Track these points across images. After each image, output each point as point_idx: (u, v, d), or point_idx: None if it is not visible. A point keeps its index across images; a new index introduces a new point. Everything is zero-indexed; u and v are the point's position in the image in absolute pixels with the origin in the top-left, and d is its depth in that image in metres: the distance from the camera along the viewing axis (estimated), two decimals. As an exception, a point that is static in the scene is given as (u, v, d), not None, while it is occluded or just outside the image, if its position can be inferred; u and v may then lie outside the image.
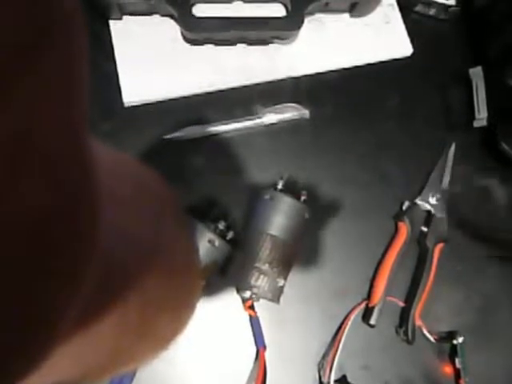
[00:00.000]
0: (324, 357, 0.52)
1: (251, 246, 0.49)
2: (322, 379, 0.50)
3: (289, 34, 0.57)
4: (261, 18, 0.55)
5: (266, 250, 0.48)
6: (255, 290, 0.48)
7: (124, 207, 0.20)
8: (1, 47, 0.09)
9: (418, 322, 0.53)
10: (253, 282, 0.48)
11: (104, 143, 0.19)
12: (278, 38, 0.57)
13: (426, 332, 0.53)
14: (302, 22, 0.55)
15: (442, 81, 0.62)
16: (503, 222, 0.59)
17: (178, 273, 0.25)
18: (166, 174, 0.25)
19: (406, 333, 0.52)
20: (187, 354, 0.50)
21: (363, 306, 0.53)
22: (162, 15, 0.56)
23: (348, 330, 0.52)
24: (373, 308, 0.52)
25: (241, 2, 0.57)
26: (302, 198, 0.51)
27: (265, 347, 0.50)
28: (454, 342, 0.53)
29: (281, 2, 0.58)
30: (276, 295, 0.49)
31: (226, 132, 0.56)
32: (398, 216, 0.56)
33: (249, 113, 0.56)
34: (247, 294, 0.49)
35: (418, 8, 0.63)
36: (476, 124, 0.59)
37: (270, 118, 0.56)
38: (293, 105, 0.57)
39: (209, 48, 0.57)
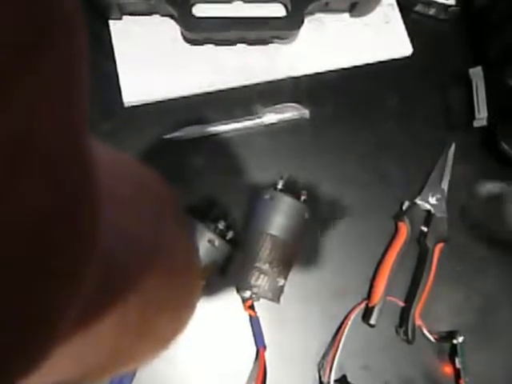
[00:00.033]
0: (324, 356, 0.52)
1: (251, 245, 0.49)
2: (322, 379, 0.51)
3: (289, 33, 0.57)
4: (261, 17, 0.55)
5: (266, 250, 0.48)
6: (255, 290, 0.48)
7: (124, 207, 0.20)
8: (1, 47, 0.09)
9: (418, 322, 0.53)
10: (253, 281, 0.48)
11: (104, 143, 0.19)
12: (277, 37, 0.57)
13: (426, 332, 0.53)
14: (302, 21, 0.55)
15: (442, 81, 0.62)
16: (503, 222, 0.59)
17: (177, 273, 0.25)
18: (166, 174, 0.25)
19: (406, 333, 0.52)
20: (187, 353, 0.50)
21: (363, 305, 0.53)
22: (162, 15, 0.56)
23: (348, 329, 0.52)
24: (373, 308, 0.52)
25: (241, 2, 0.57)
26: (302, 197, 0.51)
27: (265, 347, 0.50)
28: (454, 341, 0.53)
29: (281, 2, 0.58)
30: (276, 295, 0.49)
31: (226, 132, 0.56)
32: (398, 216, 0.56)
33: (249, 113, 0.56)
34: (247, 293, 0.49)
35: (418, 8, 0.63)
36: (476, 124, 0.59)
37: (270, 117, 0.56)
38: (293, 105, 0.57)
39: (209, 48, 0.57)
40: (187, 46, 0.56)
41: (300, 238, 0.50)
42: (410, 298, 0.54)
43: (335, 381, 0.51)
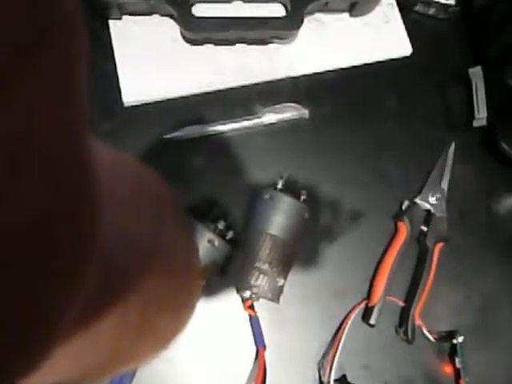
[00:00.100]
0: (324, 356, 0.52)
1: (251, 245, 0.49)
2: (322, 379, 0.51)
3: (288, 33, 0.57)
4: (260, 17, 0.55)
5: (265, 250, 0.48)
6: (255, 290, 0.48)
7: (124, 207, 0.20)
8: (1, 47, 0.09)
9: (418, 322, 0.53)
10: (253, 281, 0.48)
11: (104, 143, 0.19)
12: (277, 37, 0.57)
13: (425, 332, 0.53)
14: (302, 21, 0.55)
15: (442, 80, 0.62)
16: (503, 222, 0.59)
17: (177, 273, 0.25)
18: (166, 174, 0.25)
19: (405, 332, 0.53)
20: (187, 353, 0.50)
21: (363, 305, 0.53)
22: (162, 15, 0.56)
23: (348, 329, 0.52)
24: (373, 308, 0.52)
25: (240, 2, 0.57)
26: (302, 197, 0.51)
27: (265, 347, 0.50)
28: (454, 341, 0.53)
29: (280, 2, 0.58)
30: (276, 295, 0.49)
31: (226, 132, 0.56)
32: (398, 216, 0.56)
33: (248, 113, 0.56)
34: (247, 293, 0.49)
35: (418, 8, 0.63)
36: (476, 124, 0.59)
37: (270, 117, 0.56)
38: (292, 104, 0.57)
39: (208, 48, 0.57)
40: (187, 45, 0.56)
41: (300, 237, 0.50)
42: (410, 297, 0.54)
43: (335, 380, 0.51)
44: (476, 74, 0.59)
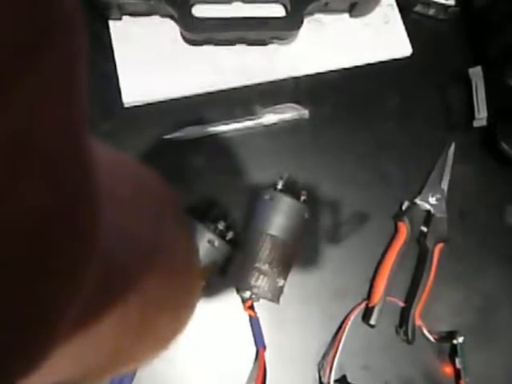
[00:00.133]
0: (324, 357, 0.52)
1: (251, 246, 0.49)
2: (322, 379, 0.50)
3: (288, 34, 0.57)
4: (260, 18, 0.55)
5: (265, 250, 0.48)
6: (255, 290, 0.48)
7: (124, 207, 0.20)
8: (1, 47, 0.09)
9: (418, 322, 0.53)
10: (253, 282, 0.48)
11: (104, 143, 0.19)
12: (277, 38, 0.57)
13: (426, 332, 0.53)
14: (302, 22, 0.55)
15: (442, 81, 0.62)
16: (503, 222, 0.59)
17: (177, 273, 0.25)
18: (166, 174, 0.25)
19: (406, 333, 0.52)
20: (187, 353, 0.50)
21: (363, 306, 0.53)
22: (162, 16, 0.56)
23: (348, 330, 0.52)
24: (373, 308, 0.52)
25: (240, 3, 0.57)
26: (302, 197, 0.51)
27: (265, 347, 0.50)
28: (454, 341, 0.53)
29: (280, 3, 0.58)
30: (276, 295, 0.49)
31: (226, 132, 0.56)
32: (398, 216, 0.56)
33: (248, 113, 0.56)
34: (247, 294, 0.49)
35: (418, 8, 0.63)
36: (476, 124, 0.59)
37: (270, 118, 0.56)
38: (292, 105, 0.57)
39: (208, 48, 0.57)
40: (187, 46, 0.56)
41: (300, 238, 0.50)
42: (410, 298, 0.54)
43: (335, 381, 0.51)
44: (476, 74, 0.59)
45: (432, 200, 0.56)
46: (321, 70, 0.59)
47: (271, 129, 0.57)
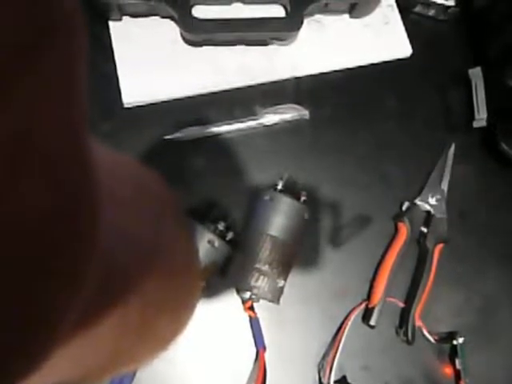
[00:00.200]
0: (324, 357, 0.52)
1: (251, 246, 0.49)
2: (322, 380, 0.50)
3: (288, 34, 0.57)
4: (260, 19, 0.55)
5: (265, 251, 0.48)
6: (255, 291, 0.48)
7: (124, 208, 0.20)
8: (1, 47, 0.09)
9: (418, 323, 0.53)
10: (253, 282, 0.48)
11: (104, 144, 0.19)
12: (277, 38, 0.57)
13: (426, 333, 0.53)
14: (302, 22, 0.55)
15: (442, 81, 0.62)
16: (503, 223, 0.59)
17: (178, 273, 0.25)
18: (166, 175, 0.25)
19: (406, 333, 0.52)
20: (187, 354, 0.50)
21: (363, 306, 0.53)
22: (162, 16, 0.56)
23: (348, 330, 0.52)
24: (373, 309, 0.52)
25: (240, 4, 0.57)
26: (302, 198, 0.51)
27: (265, 348, 0.50)
28: (454, 342, 0.53)
29: (280, 3, 0.58)
30: (276, 296, 0.49)
31: (226, 133, 0.56)
32: (398, 216, 0.56)
33: (249, 113, 0.56)
34: (247, 294, 0.49)
35: (418, 9, 0.63)
36: (475, 124, 0.59)
37: (270, 118, 0.56)
38: (292, 105, 0.57)
39: (208, 49, 0.57)
40: (187, 47, 0.56)
41: (300, 238, 0.50)
42: (410, 298, 0.54)
43: (335, 381, 0.50)
44: (476, 74, 0.59)
45: (432, 200, 0.56)
46: (321, 71, 0.59)
47: (271, 129, 0.57)
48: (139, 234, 0.21)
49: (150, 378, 0.49)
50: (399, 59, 0.61)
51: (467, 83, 0.60)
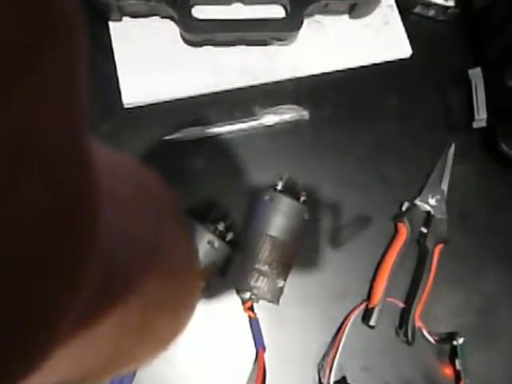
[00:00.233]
0: (324, 358, 0.52)
1: (251, 246, 0.49)
2: (322, 380, 0.50)
3: (288, 35, 0.57)
4: (260, 19, 0.55)
5: (265, 251, 0.48)
6: (255, 291, 0.48)
7: (124, 208, 0.20)
8: (1, 47, 0.09)
9: (418, 323, 0.53)
10: (252, 283, 0.48)
11: (104, 144, 0.19)
12: (277, 39, 0.57)
13: (426, 333, 0.53)
14: (302, 23, 0.55)
15: (442, 82, 0.62)
16: (503, 223, 0.59)
17: (177, 274, 0.25)
18: (166, 175, 0.25)
19: (405, 334, 0.52)
20: (187, 354, 0.50)
21: (363, 306, 0.53)
22: (162, 17, 0.56)
23: (348, 331, 0.52)
24: (373, 309, 0.52)
25: (240, 4, 0.57)
26: (302, 198, 0.51)
27: (264, 348, 0.50)
28: (454, 343, 0.53)
29: (280, 4, 0.58)
30: (276, 296, 0.49)
31: (226, 133, 0.56)
32: (398, 217, 0.56)
33: (248, 114, 0.56)
34: (247, 295, 0.49)
35: (417, 9, 0.63)
36: (475, 125, 0.59)
37: (270, 119, 0.56)
38: (292, 106, 0.57)
39: (208, 49, 0.57)
40: (187, 47, 0.56)
41: (299, 238, 0.50)
42: (410, 299, 0.54)
43: (335, 382, 0.50)
44: (476, 75, 0.59)
45: (432, 201, 0.56)
46: (321, 71, 0.59)
47: (271, 129, 0.57)
48: (139, 233, 0.21)
49: (149, 378, 0.49)
50: (399, 59, 0.61)
51: (467, 83, 0.60)
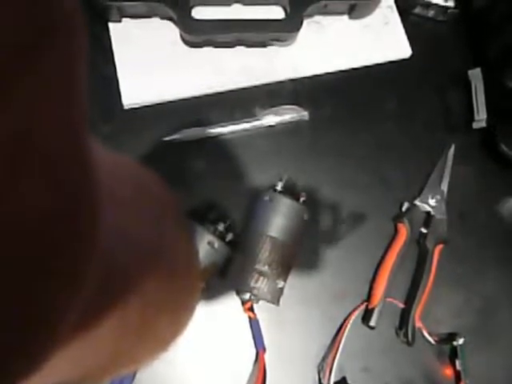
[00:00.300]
0: (324, 359, 0.51)
1: (251, 247, 0.49)
2: (322, 381, 0.50)
3: (288, 35, 0.57)
4: (260, 20, 0.55)
5: (265, 252, 0.48)
6: (255, 292, 0.48)
7: (124, 209, 0.20)
8: (1, 47, 0.09)
9: (418, 324, 0.53)
10: (252, 283, 0.48)
11: (104, 145, 0.19)
12: (277, 39, 0.57)
13: (426, 334, 0.53)
14: (301, 23, 0.55)
15: (441, 82, 0.62)
16: (503, 223, 0.59)
17: (177, 275, 0.25)
18: (166, 176, 0.25)
19: (405, 334, 0.52)
20: (187, 355, 0.50)
21: (363, 307, 0.53)
22: (162, 18, 0.56)
23: (348, 331, 0.52)
24: (373, 310, 0.52)
25: (240, 5, 0.57)
26: (302, 199, 0.51)
27: (264, 349, 0.50)
28: (454, 343, 0.53)
29: (280, 5, 0.58)
30: (275, 297, 0.49)
31: (226, 134, 0.56)
32: (398, 217, 0.56)
33: (248, 115, 0.56)
34: (247, 295, 0.49)
35: (417, 10, 0.63)
36: (475, 125, 0.59)
37: (270, 119, 0.56)
38: (292, 106, 0.57)
39: (208, 50, 0.57)
40: (187, 48, 0.57)
41: (299, 239, 0.50)
42: (410, 299, 0.54)
43: (335, 383, 0.50)
44: (475, 75, 0.59)
45: (432, 201, 0.56)
46: (320, 72, 0.59)
47: (271, 130, 0.57)
48: (139, 234, 0.21)
49: (149, 378, 0.49)
50: (399, 60, 0.61)
51: (467, 84, 0.60)
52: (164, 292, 0.24)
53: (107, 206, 0.15)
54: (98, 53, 0.55)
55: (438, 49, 0.63)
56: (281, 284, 0.49)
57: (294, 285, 0.52)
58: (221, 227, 0.49)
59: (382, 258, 0.55)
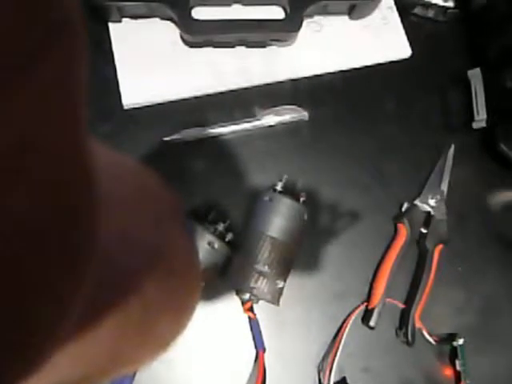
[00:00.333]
0: (324, 359, 0.51)
1: (250, 247, 0.49)
2: (322, 381, 0.50)
3: (288, 36, 0.57)
4: (260, 20, 0.55)
5: (265, 252, 0.48)
6: (255, 292, 0.48)
7: (124, 208, 0.20)
8: (1, 48, 0.09)
9: (418, 324, 0.53)
10: (252, 283, 0.48)
11: (104, 145, 0.19)
12: (277, 40, 0.57)
13: (426, 334, 0.53)
14: (301, 24, 0.55)
15: (441, 82, 0.62)
16: (503, 223, 0.59)
17: (177, 274, 0.25)
18: (166, 176, 0.25)
19: (405, 335, 0.52)
20: (187, 355, 0.50)
21: (363, 307, 0.53)
22: (162, 18, 0.56)
23: (348, 331, 0.52)
24: (372, 310, 0.52)
25: (240, 5, 0.57)
26: (301, 199, 0.51)
27: (264, 349, 0.50)
28: (455, 343, 0.53)
29: (279, 5, 0.58)
30: (275, 297, 0.49)
31: (226, 134, 0.56)
32: (398, 217, 0.56)
33: (248, 115, 0.56)
34: (246, 295, 0.49)
35: (417, 10, 0.63)
36: (475, 125, 0.59)
37: (270, 119, 0.56)
38: (292, 107, 0.57)
39: (208, 50, 0.57)
40: (187, 48, 0.57)
41: (299, 239, 0.50)
42: (410, 299, 0.54)
43: (335, 383, 0.50)
44: (475, 75, 0.59)
45: (432, 201, 0.56)
46: (320, 72, 0.59)
47: (271, 131, 0.57)
48: (139, 234, 0.21)
49: (149, 379, 0.49)
50: (399, 60, 0.61)
51: (466, 84, 0.60)
52: (164, 292, 0.24)
53: (107, 206, 0.15)
54: (98, 53, 0.55)
55: (437, 49, 0.63)
56: (281, 284, 0.49)
57: (294, 285, 0.52)
58: (221, 227, 0.49)
59: (382, 258, 0.55)
